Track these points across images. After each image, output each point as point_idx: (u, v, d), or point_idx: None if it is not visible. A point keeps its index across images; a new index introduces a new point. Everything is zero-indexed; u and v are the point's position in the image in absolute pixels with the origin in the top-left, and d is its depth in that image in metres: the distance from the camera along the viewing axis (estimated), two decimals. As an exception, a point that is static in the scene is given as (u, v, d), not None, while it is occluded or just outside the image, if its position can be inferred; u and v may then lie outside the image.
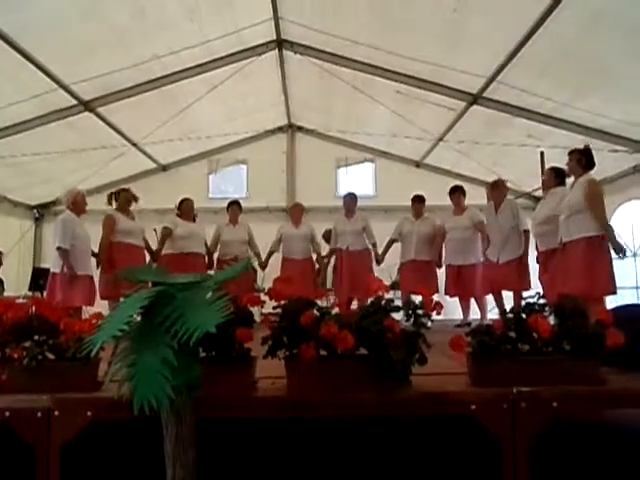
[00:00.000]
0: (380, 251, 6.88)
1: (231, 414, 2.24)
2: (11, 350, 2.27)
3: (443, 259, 6.64)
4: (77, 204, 5.68)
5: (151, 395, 1.74)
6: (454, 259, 6.46)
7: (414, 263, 6.68)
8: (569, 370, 2.29)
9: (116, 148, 7.86)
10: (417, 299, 2.47)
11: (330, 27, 6.24)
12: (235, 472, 2.44)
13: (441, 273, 6.71)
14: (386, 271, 6.66)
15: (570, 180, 4.96)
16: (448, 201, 7.30)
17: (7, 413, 2.18)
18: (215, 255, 6.88)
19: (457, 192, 6.61)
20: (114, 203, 6.04)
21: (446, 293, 6.41)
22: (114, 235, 5.78)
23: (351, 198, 7.04)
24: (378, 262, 6.82)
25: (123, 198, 6.04)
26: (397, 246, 6.96)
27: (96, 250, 5.82)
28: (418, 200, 6.88)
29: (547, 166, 6.30)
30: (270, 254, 7.06)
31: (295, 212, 7.18)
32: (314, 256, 7.10)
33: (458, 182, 7.18)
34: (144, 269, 2.54)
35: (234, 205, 7.12)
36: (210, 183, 10.06)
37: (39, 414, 2.17)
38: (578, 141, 5.16)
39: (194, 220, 6.70)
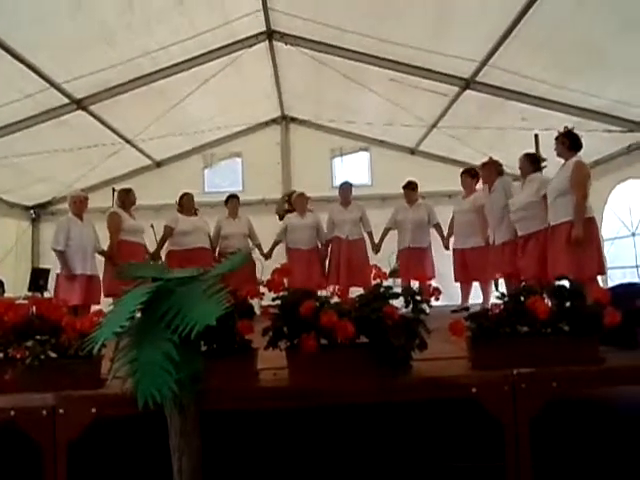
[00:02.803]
0: (376, 240, 6.94)
1: (234, 405, 2.26)
2: (13, 350, 2.28)
3: (452, 243, 6.61)
4: (74, 206, 5.83)
5: (154, 389, 1.76)
6: (458, 242, 6.45)
7: (410, 250, 6.73)
8: (568, 350, 2.32)
9: (110, 146, 7.82)
10: (415, 285, 2.49)
11: (320, 16, 6.20)
12: (240, 462, 2.47)
13: (447, 257, 6.73)
14: (385, 259, 6.71)
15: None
16: (444, 187, 7.30)
17: (12, 412, 2.20)
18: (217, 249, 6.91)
19: (464, 175, 6.54)
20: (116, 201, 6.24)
21: (455, 278, 6.41)
22: (120, 233, 5.91)
23: (347, 187, 7.10)
24: (376, 251, 6.86)
25: (130, 198, 6.29)
26: (393, 234, 7.00)
27: (105, 248, 6.03)
28: (410, 186, 6.89)
29: (539, 150, 6.33)
30: (275, 244, 7.09)
31: (299, 202, 7.17)
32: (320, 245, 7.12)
33: (454, 168, 7.17)
34: (143, 265, 2.55)
35: (233, 199, 7.14)
36: (205, 178, 10.00)
37: (44, 412, 2.19)
38: (572, 122, 5.14)
39: (196, 214, 6.74)
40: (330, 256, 6.97)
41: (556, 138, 4.75)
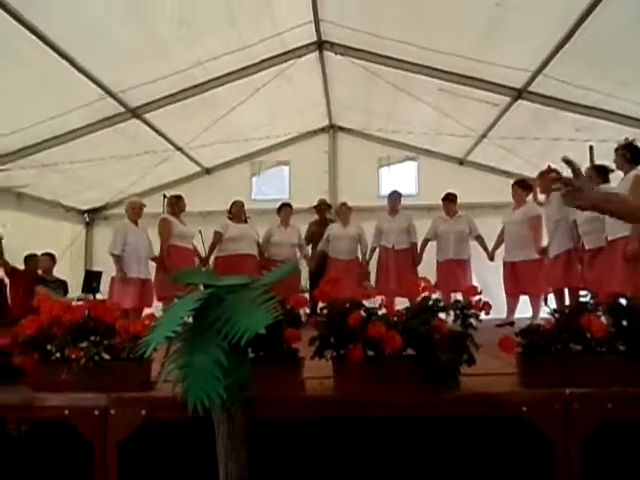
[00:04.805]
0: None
1: (280, 414, 2.27)
2: (69, 350, 2.36)
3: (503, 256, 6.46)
4: (132, 212, 6.07)
5: (204, 395, 1.78)
6: (508, 255, 6.29)
7: (451, 262, 6.63)
8: (623, 371, 2.23)
9: (162, 153, 8.03)
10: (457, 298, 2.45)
11: (370, 27, 6.21)
12: (285, 470, 2.47)
13: (490, 269, 6.59)
14: (422, 271, 6.63)
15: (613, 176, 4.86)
16: (492, 198, 7.14)
17: (67, 411, 2.27)
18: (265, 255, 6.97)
19: (516, 186, 6.38)
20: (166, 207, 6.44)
21: (506, 292, 6.25)
22: (170, 238, 6.08)
23: (395, 196, 7.07)
24: (418, 263, 6.80)
25: (180, 204, 6.47)
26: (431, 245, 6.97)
27: (156, 254, 6.22)
28: (449, 198, 6.84)
29: (595, 162, 6.13)
30: (320, 254, 7.09)
31: (343, 212, 7.20)
32: (360, 256, 7.10)
33: (504, 179, 7.05)
34: (195, 271, 2.60)
35: (286, 207, 7.22)
36: (253, 185, 10.13)
37: (96, 412, 2.25)
38: (628, 133, 4.99)
39: (246, 221, 6.84)
40: (377, 266, 6.94)
41: (616, 150, 4.60)
